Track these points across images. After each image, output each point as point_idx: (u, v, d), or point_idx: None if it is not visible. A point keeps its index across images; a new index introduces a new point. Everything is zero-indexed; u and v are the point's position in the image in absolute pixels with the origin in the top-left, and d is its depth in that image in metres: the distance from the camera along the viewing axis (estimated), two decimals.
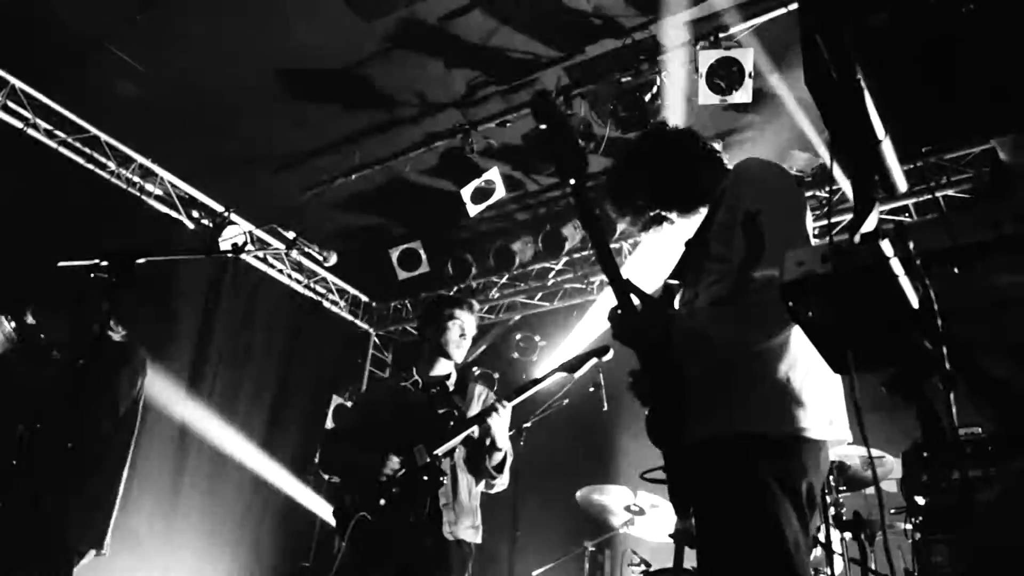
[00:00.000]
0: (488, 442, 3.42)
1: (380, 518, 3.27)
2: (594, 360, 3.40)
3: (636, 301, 2.00)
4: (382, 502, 3.28)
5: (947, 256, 1.01)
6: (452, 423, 3.43)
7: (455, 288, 7.35)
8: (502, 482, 3.59)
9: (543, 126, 2.10)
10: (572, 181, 2.07)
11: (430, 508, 3.31)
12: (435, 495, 3.34)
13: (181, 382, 5.90)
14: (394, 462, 3.31)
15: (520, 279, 7.20)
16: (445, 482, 3.38)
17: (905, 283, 1.02)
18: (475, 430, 3.42)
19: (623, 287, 2.01)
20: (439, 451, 3.34)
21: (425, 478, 3.32)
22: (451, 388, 3.67)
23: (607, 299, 6.30)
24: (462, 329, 3.66)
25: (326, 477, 3.67)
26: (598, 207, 2.20)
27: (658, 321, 1.96)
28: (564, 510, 5.39)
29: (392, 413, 3.57)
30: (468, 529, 3.42)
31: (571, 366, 3.44)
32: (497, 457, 3.47)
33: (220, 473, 6.19)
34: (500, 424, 3.38)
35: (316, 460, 3.64)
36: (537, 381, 3.49)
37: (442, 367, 3.71)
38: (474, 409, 3.57)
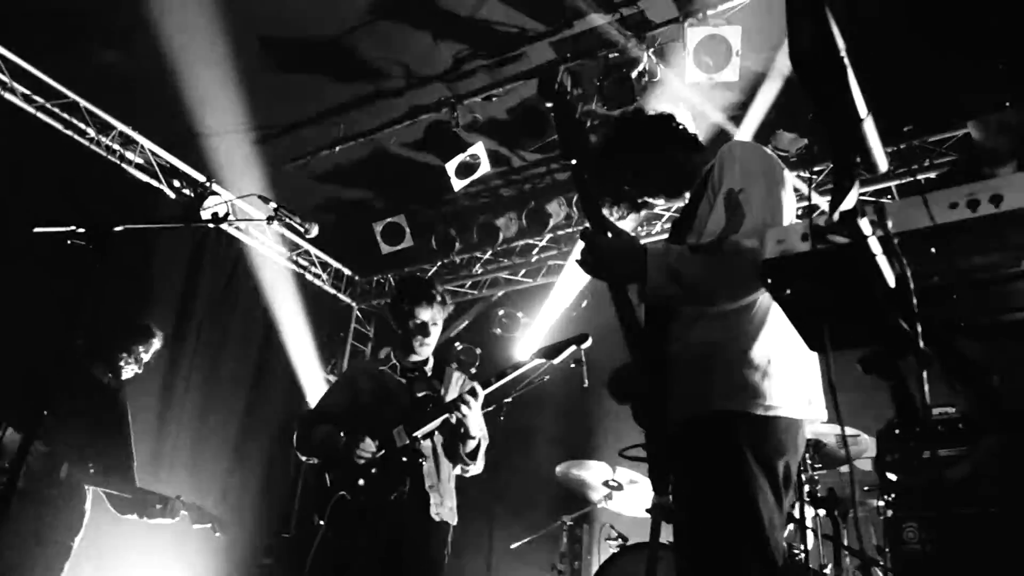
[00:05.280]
0: (462, 430, 3.43)
1: (359, 497, 3.28)
2: (572, 348, 3.42)
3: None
4: (361, 482, 3.29)
5: (925, 235, 1.01)
6: (431, 406, 3.44)
7: (438, 263, 7.33)
8: (476, 468, 3.60)
9: (548, 104, 2.11)
10: (574, 161, 2.07)
11: (411, 488, 3.32)
12: (418, 476, 3.36)
13: (161, 353, 5.84)
14: (373, 443, 3.32)
15: (504, 255, 7.19)
16: (429, 464, 3.41)
17: (883, 261, 1.03)
18: (452, 415, 3.42)
19: (601, 220, 2.02)
20: (418, 433, 3.35)
21: (404, 459, 3.34)
22: (429, 373, 3.68)
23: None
24: (426, 328, 3.65)
25: (303, 459, 3.64)
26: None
27: (631, 244, 1.96)
28: (543, 485, 5.44)
29: (372, 396, 3.58)
30: (450, 511, 3.46)
31: (549, 353, 3.45)
32: (471, 445, 3.47)
33: (201, 444, 6.17)
34: (472, 412, 3.38)
35: (293, 442, 3.61)
36: (515, 367, 3.49)
37: (419, 353, 3.70)
38: (451, 394, 3.57)
